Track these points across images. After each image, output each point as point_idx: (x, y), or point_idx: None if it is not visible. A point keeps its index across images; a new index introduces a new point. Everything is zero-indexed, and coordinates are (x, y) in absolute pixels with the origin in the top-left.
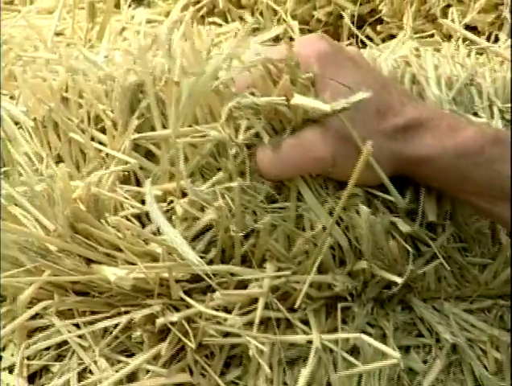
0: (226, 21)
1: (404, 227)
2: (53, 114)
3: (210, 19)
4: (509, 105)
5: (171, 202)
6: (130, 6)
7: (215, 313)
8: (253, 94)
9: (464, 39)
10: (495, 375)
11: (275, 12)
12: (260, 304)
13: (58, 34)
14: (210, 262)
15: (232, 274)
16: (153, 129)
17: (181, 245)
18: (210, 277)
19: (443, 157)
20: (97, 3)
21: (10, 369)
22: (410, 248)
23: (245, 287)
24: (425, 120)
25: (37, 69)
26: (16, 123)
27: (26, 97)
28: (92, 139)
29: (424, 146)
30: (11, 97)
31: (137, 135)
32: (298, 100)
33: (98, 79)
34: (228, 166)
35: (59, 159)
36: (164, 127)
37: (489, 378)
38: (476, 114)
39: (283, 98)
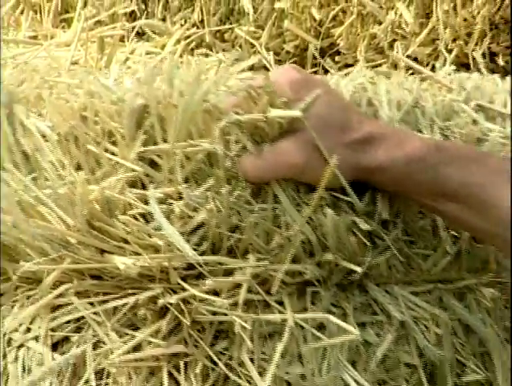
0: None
1: (364, 225)
2: (74, 130)
3: (198, 51)
4: (448, 123)
5: (171, 204)
6: (132, 40)
7: (206, 296)
8: (237, 113)
9: (408, 68)
10: (435, 346)
11: (252, 45)
12: (243, 288)
13: (73, 63)
14: (202, 253)
15: (220, 263)
16: (156, 142)
17: (178, 240)
18: (202, 266)
19: (395, 165)
20: (105, 38)
21: (37, 339)
22: (368, 243)
23: (231, 274)
24: (378, 134)
25: (60, 92)
26: (43, 136)
27: (52, 115)
28: (106, 151)
29: (378, 157)
30: (39, 115)
31: (142, 148)
32: (273, 113)
33: (111, 101)
34: (219, 175)
35: (78, 167)
36: (165, 141)
37: (430, 348)
38: (420, 131)
39: (262, 115)
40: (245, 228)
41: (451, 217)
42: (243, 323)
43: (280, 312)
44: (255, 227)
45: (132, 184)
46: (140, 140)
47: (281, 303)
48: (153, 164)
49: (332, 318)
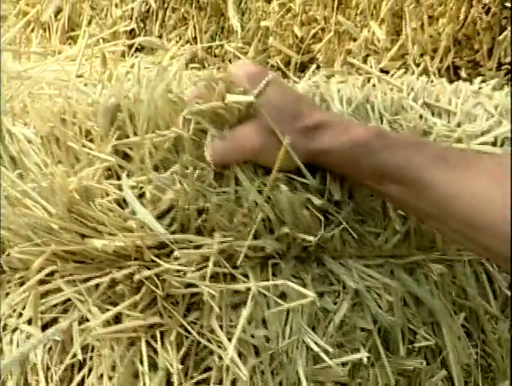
0: (204, 67)
1: (316, 201)
2: (55, 130)
3: (191, 65)
4: (396, 117)
5: (142, 188)
6: (132, 55)
7: (178, 267)
8: (198, 103)
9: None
10: (386, 313)
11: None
12: (211, 262)
13: (79, 76)
14: (173, 233)
15: (189, 241)
16: (127, 136)
17: (150, 220)
18: (173, 243)
19: (340, 149)
20: (108, 53)
21: (29, 322)
22: (321, 217)
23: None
24: (326, 122)
25: (42, 100)
26: (28, 141)
27: (35, 120)
28: (84, 147)
29: (325, 141)
30: (25, 124)
31: (115, 142)
32: (230, 98)
33: (87, 103)
34: (183, 159)
35: (59, 163)
36: (136, 135)
37: (383, 315)
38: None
39: (221, 102)
40: (211, 209)
41: (394, 199)
42: (212, 292)
43: (244, 283)
44: (219, 208)
45: (108, 176)
46: (113, 135)
47: (246, 275)
48: (126, 156)
49: (291, 284)
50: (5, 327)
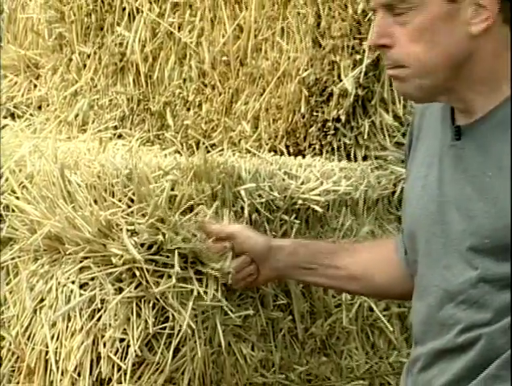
0: (153, 144)
1: None
2: (93, 182)
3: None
4: (271, 180)
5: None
6: (116, 138)
7: (154, 267)
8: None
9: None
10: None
11: (173, 141)
12: (174, 277)
13: (88, 149)
14: (152, 253)
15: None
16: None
17: (131, 250)
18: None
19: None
20: (102, 138)
21: (73, 283)
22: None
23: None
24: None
25: (85, 161)
26: (78, 184)
27: (83, 174)
28: (110, 194)
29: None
30: (75, 173)
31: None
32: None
33: (114, 168)
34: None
35: (95, 200)
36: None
37: (263, 288)
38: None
39: None
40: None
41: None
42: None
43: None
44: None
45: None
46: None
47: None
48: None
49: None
50: (59, 283)
